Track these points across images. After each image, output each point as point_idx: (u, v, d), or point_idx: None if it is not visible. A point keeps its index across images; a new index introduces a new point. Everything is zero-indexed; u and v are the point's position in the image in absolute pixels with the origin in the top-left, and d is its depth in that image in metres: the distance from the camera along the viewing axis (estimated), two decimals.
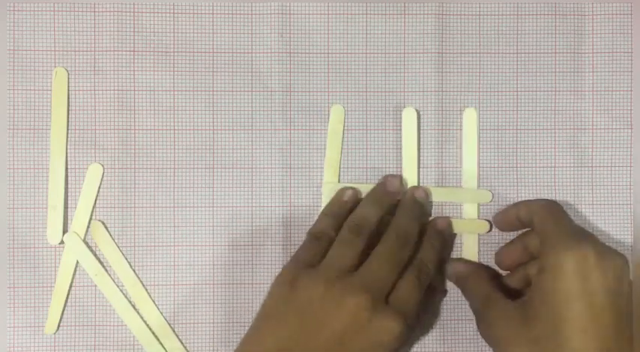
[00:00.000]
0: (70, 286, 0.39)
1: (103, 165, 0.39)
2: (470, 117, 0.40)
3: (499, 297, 0.36)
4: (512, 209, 0.38)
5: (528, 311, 0.34)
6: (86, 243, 0.39)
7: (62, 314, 0.39)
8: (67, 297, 0.39)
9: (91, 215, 0.39)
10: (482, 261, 0.40)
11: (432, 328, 0.40)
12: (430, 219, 0.40)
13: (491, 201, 0.40)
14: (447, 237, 0.39)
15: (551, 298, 0.33)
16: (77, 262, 0.39)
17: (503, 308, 0.35)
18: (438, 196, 0.40)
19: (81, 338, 0.39)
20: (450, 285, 0.40)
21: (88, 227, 0.39)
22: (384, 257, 0.36)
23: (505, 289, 0.38)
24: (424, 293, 0.36)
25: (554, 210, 0.36)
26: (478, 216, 0.40)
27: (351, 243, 0.36)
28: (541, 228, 0.36)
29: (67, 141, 0.39)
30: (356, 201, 0.39)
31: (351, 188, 0.39)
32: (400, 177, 0.39)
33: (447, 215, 0.40)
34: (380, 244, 0.36)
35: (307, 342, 0.33)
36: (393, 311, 0.34)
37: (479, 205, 0.40)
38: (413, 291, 0.35)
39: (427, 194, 0.39)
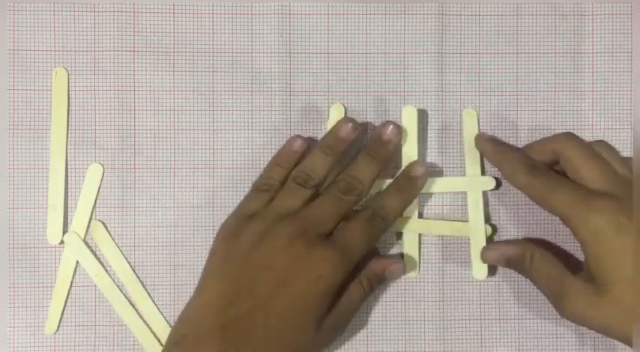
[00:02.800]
0: (70, 286, 0.39)
1: (103, 165, 0.39)
2: (470, 118, 0.40)
3: (569, 277, 0.35)
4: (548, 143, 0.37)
5: (597, 284, 0.34)
6: (86, 243, 0.39)
7: (62, 314, 0.39)
8: (67, 297, 0.39)
9: (91, 215, 0.39)
10: (492, 215, 0.40)
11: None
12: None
13: (494, 190, 0.40)
14: (419, 186, 0.38)
15: (605, 264, 0.33)
16: (77, 262, 0.39)
17: (581, 290, 0.34)
18: (439, 186, 0.40)
19: (81, 338, 0.39)
20: (447, 280, 0.40)
21: (88, 227, 0.39)
22: (327, 198, 0.35)
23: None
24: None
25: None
26: (482, 206, 0.39)
27: (295, 192, 0.36)
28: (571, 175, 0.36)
29: (67, 141, 0.39)
30: (306, 150, 0.38)
31: (302, 137, 0.38)
32: (354, 121, 0.37)
33: (448, 208, 0.40)
34: (327, 187, 0.36)
35: (250, 289, 0.33)
36: (330, 244, 0.34)
37: (483, 193, 0.40)
38: (358, 231, 0.35)
39: (399, 130, 0.38)
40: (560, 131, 0.40)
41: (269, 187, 0.37)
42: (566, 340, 0.40)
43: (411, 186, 0.38)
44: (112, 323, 0.39)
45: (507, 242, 0.39)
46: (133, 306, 0.39)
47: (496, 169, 0.39)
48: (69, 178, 0.39)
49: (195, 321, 0.34)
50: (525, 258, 0.37)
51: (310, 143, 0.39)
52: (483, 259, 0.39)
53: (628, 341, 0.34)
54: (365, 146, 0.38)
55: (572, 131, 0.39)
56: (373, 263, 0.37)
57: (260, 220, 0.35)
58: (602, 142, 0.38)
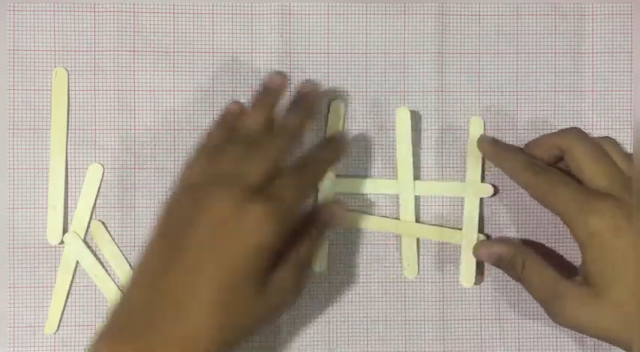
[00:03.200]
0: (70, 286, 0.39)
1: (103, 165, 0.39)
2: (476, 125, 0.40)
3: (563, 282, 0.35)
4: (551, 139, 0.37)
5: (594, 287, 0.33)
6: (86, 243, 0.39)
7: (62, 314, 0.39)
8: (67, 297, 0.39)
9: (91, 215, 0.39)
10: (485, 228, 0.40)
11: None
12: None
13: (492, 196, 0.40)
14: (346, 145, 0.38)
15: (602, 267, 0.33)
16: (77, 262, 0.39)
17: (577, 294, 0.34)
18: (438, 190, 0.40)
19: (81, 338, 0.39)
20: (447, 280, 0.40)
21: (88, 227, 0.39)
22: (254, 149, 0.33)
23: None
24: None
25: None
26: (479, 212, 0.40)
27: (225, 151, 0.34)
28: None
29: (67, 141, 0.39)
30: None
31: (237, 102, 0.37)
32: (283, 74, 0.37)
33: (446, 210, 0.40)
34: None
35: (175, 257, 0.31)
36: (261, 195, 0.31)
37: (481, 200, 0.40)
38: (289, 181, 0.33)
39: (314, 88, 0.37)
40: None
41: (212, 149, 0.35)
42: (567, 340, 0.40)
43: (340, 143, 0.37)
44: None
45: (501, 241, 0.38)
46: None
47: (495, 177, 0.39)
48: (69, 178, 0.39)
49: (125, 306, 0.31)
50: (517, 262, 0.36)
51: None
52: (475, 254, 0.39)
53: (625, 346, 0.33)
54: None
55: None
56: (320, 211, 0.36)
57: (191, 182, 0.33)
58: (608, 139, 0.37)
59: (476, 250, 0.38)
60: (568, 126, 0.40)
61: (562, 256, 0.40)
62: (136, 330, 0.30)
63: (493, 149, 0.38)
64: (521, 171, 0.36)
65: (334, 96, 0.39)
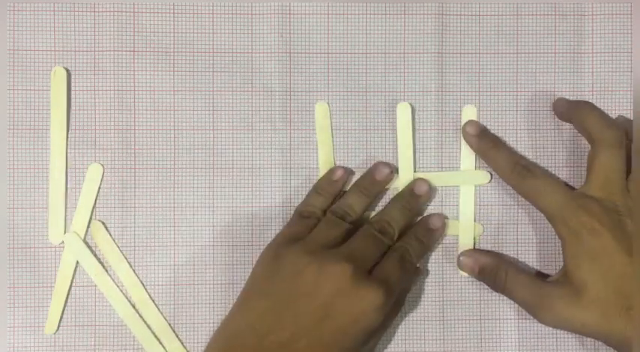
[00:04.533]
0: (70, 286, 0.39)
1: (103, 165, 0.39)
2: (469, 115, 0.40)
3: (546, 287, 0.36)
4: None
5: (574, 284, 0.35)
6: (86, 243, 0.39)
7: (62, 314, 0.39)
8: (67, 297, 0.39)
9: (91, 215, 0.39)
10: (480, 215, 0.40)
11: (408, 310, 0.40)
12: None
13: (489, 183, 0.40)
14: (436, 236, 0.39)
15: (581, 264, 0.35)
16: (77, 262, 0.39)
17: (559, 295, 0.35)
18: (434, 181, 0.40)
19: (81, 338, 0.39)
20: (447, 280, 0.40)
21: (88, 227, 0.39)
22: (367, 236, 0.36)
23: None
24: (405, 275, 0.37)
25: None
26: (475, 201, 0.40)
27: (336, 224, 0.37)
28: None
29: (67, 141, 0.39)
30: (346, 181, 0.39)
31: (343, 167, 0.39)
32: (390, 166, 0.39)
33: (445, 202, 0.40)
34: (365, 225, 0.37)
35: (294, 315, 0.34)
36: (376, 281, 0.34)
37: (476, 187, 0.40)
38: (395, 268, 0.36)
39: (429, 188, 0.39)
40: (560, 131, 0.40)
41: (311, 214, 0.38)
42: (566, 340, 0.40)
43: (428, 235, 0.39)
44: (112, 323, 0.39)
45: (482, 251, 0.39)
46: (133, 306, 0.39)
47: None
48: (69, 178, 0.39)
49: (235, 341, 0.34)
50: (500, 274, 0.37)
51: (349, 175, 0.39)
52: (459, 265, 0.39)
53: (606, 340, 0.35)
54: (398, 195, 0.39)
55: (572, 131, 0.40)
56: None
57: (304, 245, 0.36)
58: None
59: (459, 261, 0.39)
60: (568, 126, 0.40)
61: (538, 266, 0.40)
62: None
63: (479, 144, 0.39)
64: (508, 173, 0.38)
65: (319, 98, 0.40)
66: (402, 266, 0.36)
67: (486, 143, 0.39)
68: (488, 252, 0.39)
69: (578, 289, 0.35)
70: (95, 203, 0.39)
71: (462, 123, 0.40)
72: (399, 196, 0.39)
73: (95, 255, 0.39)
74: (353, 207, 0.38)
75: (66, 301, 0.39)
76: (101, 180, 0.39)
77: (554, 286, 0.36)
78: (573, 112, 0.38)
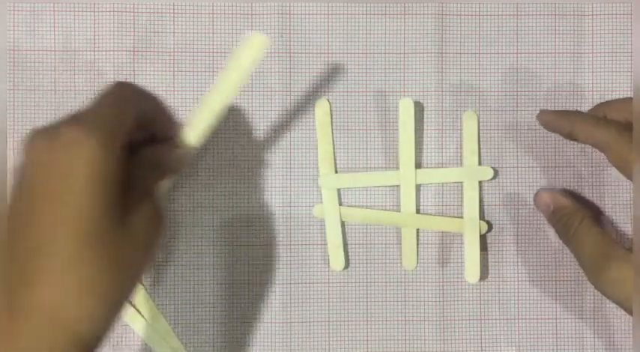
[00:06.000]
0: None
1: None
2: (469, 119, 0.40)
3: (615, 246, 0.34)
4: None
5: None
6: None
7: None
8: None
9: None
10: (485, 213, 0.40)
11: None
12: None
13: (492, 179, 0.40)
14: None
15: None
16: None
17: (624, 258, 0.33)
18: (437, 177, 0.40)
19: None
20: (447, 280, 0.40)
21: None
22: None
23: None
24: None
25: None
26: (480, 197, 0.40)
27: None
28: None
29: None
30: None
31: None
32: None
33: (447, 201, 0.40)
34: None
35: (13, 217, 0.26)
36: (74, 119, 0.26)
37: (480, 183, 0.40)
38: (101, 101, 0.28)
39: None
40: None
41: None
42: (567, 340, 0.40)
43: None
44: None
45: (562, 193, 0.38)
46: (134, 306, 0.39)
47: (493, 166, 0.39)
48: None
49: None
50: (576, 216, 0.36)
51: None
52: (535, 200, 0.39)
53: None
54: None
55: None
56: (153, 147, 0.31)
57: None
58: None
59: (538, 194, 0.38)
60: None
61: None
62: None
63: (557, 114, 0.38)
64: (593, 128, 0.36)
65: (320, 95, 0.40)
66: (112, 89, 0.29)
67: (563, 112, 0.38)
68: (567, 194, 0.39)
69: None
70: None
71: (463, 126, 0.40)
72: None
73: None
74: None
75: None
76: None
77: (624, 250, 0.34)
78: (566, 125, 0.37)
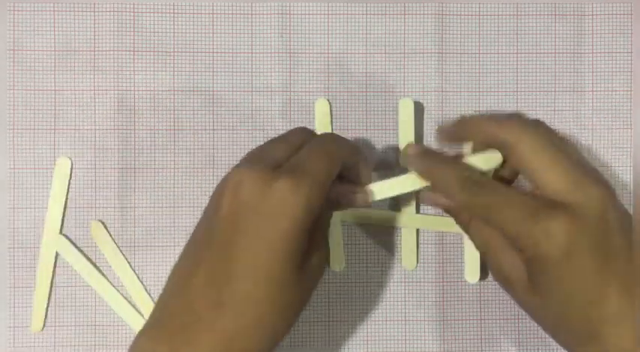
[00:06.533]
0: (51, 284, 0.39)
1: (71, 159, 0.39)
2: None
3: (505, 249, 0.32)
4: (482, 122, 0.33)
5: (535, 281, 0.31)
6: (71, 240, 0.39)
7: (46, 312, 0.39)
8: (50, 296, 0.39)
9: (64, 210, 0.39)
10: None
11: None
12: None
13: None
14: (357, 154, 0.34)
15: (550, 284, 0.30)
16: (67, 261, 0.39)
17: (510, 267, 0.32)
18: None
19: (81, 338, 0.39)
20: (447, 280, 0.40)
21: (62, 222, 0.39)
22: (277, 139, 0.32)
23: None
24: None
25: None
26: None
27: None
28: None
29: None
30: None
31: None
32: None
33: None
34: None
35: (203, 247, 0.30)
36: (284, 172, 0.29)
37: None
38: (314, 153, 0.30)
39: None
40: (560, 131, 0.40)
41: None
42: None
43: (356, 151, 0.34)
44: (113, 322, 0.39)
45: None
46: (134, 306, 0.39)
47: None
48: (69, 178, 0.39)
49: (162, 302, 0.30)
50: (462, 217, 0.34)
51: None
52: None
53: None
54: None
55: (571, 131, 0.39)
56: (339, 185, 0.33)
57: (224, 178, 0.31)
58: (543, 124, 0.33)
59: (426, 198, 0.34)
60: (568, 126, 0.40)
61: None
62: (172, 329, 0.28)
63: (422, 164, 0.33)
64: (457, 192, 0.32)
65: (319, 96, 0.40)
66: (324, 147, 0.31)
67: (431, 159, 0.33)
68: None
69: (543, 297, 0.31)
70: (67, 198, 0.39)
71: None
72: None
73: (85, 255, 0.39)
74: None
75: (49, 299, 0.39)
76: (70, 173, 0.39)
77: (512, 255, 0.32)
78: (465, 131, 0.34)
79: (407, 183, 0.34)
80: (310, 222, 0.29)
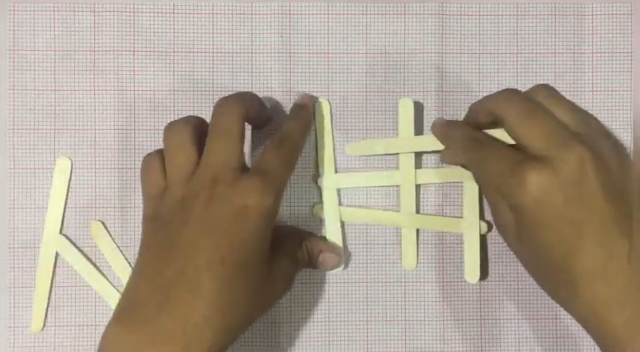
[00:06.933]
0: (51, 286, 0.39)
1: (71, 159, 0.39)
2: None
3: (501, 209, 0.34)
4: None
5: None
6: (70, 240, 0.39)
7: (46, 312, 0.39)
8: (49, 296, 0.39)
9: (64, 210, 0.39)
10: (487, 213, 0.40)
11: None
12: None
13: None
14: (310, 112, 0.38)
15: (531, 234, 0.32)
16: (74, 261, 0.39)
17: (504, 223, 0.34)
18: (437, 177, 0.40)
19: (82, 338, 0.39)
20: (447, 280, 0.40)
21: (63, 222, 0.39)
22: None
23: None
24: None
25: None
26: (480, 197, 0.39)
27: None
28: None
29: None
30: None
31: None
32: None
33: (447, 201, 0.40)
34: None
35: (176, 249, 0.31)
36: (248, 173, 0.32)
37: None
38: (273, 154, 0.33)
39: (311, 98, 0.39)
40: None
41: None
42: (566, 340, 0.40)
43: (303, 112, 0.38)
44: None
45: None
46: None
47: None
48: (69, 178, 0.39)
49: (131, 295, 0.32)
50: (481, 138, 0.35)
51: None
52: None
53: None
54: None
55: None
56: (314, 240, 0.38)
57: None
58: (544, 88, 0.35)
59: (434, 127, 0.38)
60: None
61: None
62: (143, 317, 0.30)
63: (440, 128, 0.38)
64: (460, 147, 0.35)
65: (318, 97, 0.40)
66: (281, 146, 0.34)
67: (449, 125, 0.37)
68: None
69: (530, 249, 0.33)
70: (67, 198, 0.39)
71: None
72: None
73: (85, 255, 0.39)
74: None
75: (48, 300, 0.39)
76: (70, 173, 0.39)
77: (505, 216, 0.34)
78: (475, 112, 0.36)
79: (431, 142, 0.38)
80: (274, 215, 0.32)
